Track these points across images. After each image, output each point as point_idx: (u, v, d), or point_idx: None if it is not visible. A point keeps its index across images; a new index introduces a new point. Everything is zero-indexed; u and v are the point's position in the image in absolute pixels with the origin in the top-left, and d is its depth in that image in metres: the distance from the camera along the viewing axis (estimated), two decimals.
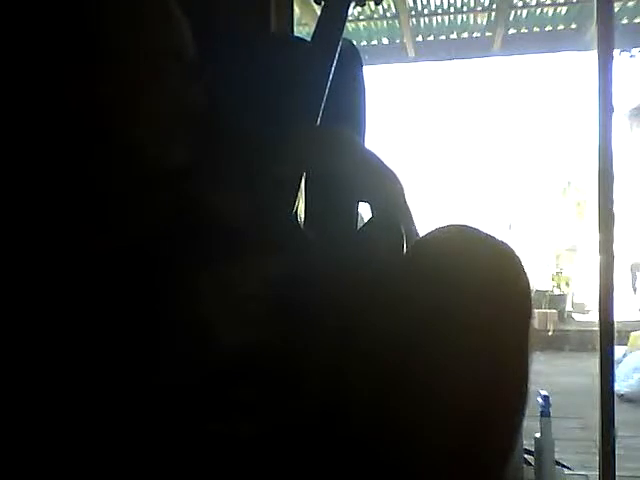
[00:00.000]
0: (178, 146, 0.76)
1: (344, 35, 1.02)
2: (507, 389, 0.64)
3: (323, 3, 1.03)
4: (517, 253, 0.68)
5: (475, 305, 0.63)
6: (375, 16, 4.40)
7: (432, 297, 0.65)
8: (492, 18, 4.54)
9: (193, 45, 0.80)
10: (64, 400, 0.66)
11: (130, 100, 0.73)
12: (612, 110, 1.93)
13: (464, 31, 4.75)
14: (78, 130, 0.72)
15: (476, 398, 0.63)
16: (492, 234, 0.69)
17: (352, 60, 1.06)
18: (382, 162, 0.84)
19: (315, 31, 1.01)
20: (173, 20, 0.78)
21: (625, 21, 4.41)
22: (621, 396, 3.91)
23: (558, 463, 1.96)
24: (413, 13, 4.44)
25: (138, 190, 0.75)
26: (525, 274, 0.67)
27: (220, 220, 0.79)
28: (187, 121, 0.77)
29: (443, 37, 4.80)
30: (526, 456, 1.87)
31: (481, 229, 0.69)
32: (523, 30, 4.69)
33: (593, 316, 5.42)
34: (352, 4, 1.04)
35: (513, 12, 4.48)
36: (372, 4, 1.12)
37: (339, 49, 0.98)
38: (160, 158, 0.75)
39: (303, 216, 0.87)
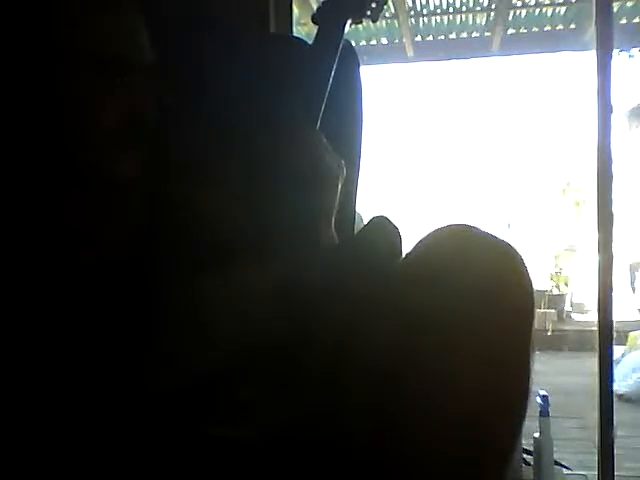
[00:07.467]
0: (132, 154, 0.76)
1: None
2: (509, 391, 0.64)
3: (317, 26, 1.02)
4: (519, 252, 0.68)
5: (477, 307, 0.63)
6: None
7: (433, 299, 0.64)
8: (491, 18, 4.53)
9: (151, 51, 0.79)
10: (63, 405, 0.66)
11: (83, 103, 0.74)
12: (611, 110, 1.92)
13: (463, 31, 4.75)
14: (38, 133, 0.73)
15: (476, 400, 0.63)
16: (493, 234, 0.69)
17: (350, 60, 1.06)
18: None
19: (314, 41, 1.01)
20: (127, 26, 0.78)
21: (624, 21, 4.40)
22: (620, 396, 3.90)
23: (557, 463, 1.96)
24: (412, 13, 4.44)
25: (101, 197, 0.76)
26: (527, 274, 0.67)
27: (213, 222, 0.79)
28: (140, 129, 0.77)
29: (442, 37, 4.79)
30: (525, 456, 1.87)
31: (482, 228, 0.69)
32: (522, 30, 4.68)
33: (592, 316, 5.41)
34: (348, 22, 1.03)
35: (512, 12, 4.48)
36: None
37: (338, 55, 0.98)
38: (114, 165, 0.75)
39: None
